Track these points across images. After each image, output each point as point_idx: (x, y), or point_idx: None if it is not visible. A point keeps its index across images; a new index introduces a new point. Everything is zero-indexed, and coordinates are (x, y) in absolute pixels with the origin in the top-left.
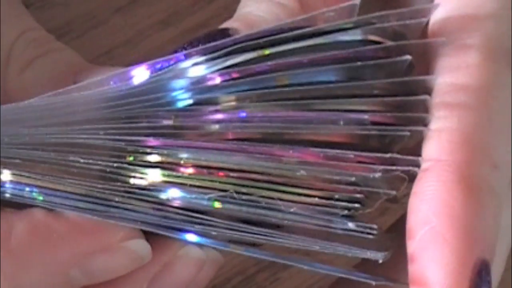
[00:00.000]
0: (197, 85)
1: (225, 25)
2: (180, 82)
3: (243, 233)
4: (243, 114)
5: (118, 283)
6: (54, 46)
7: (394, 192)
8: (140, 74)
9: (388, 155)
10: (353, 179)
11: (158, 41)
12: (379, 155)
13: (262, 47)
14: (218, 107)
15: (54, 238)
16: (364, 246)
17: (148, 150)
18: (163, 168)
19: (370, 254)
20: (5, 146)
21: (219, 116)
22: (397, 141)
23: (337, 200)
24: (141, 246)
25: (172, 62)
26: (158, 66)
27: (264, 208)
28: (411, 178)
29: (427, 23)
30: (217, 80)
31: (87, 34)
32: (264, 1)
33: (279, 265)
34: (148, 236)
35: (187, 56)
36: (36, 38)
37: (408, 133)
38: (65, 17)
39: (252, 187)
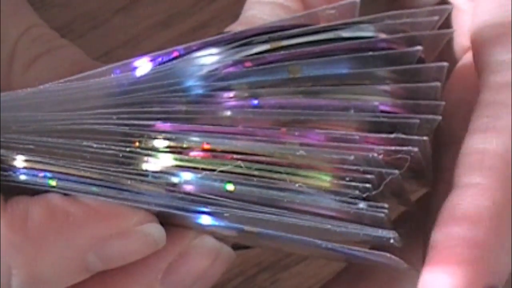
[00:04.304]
0: (211, 73)
1: (229, 28)
2: (194, 71)
3: (254, 213)
4: (255, 102)
5: (133, 272)
6: (59, 43)
7: (397, 171)
8: (142, 65)
9: (392, 136)
10: (351, 157)
11: (158, 42)
12: (384, 135)
13: (275, 40)
14: (230, 94)
15: (71, 222)
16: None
17: (160, 135)
18: (174, 152)
19: (381, 233)
20: (17, 132)
21: (231, 103)
22: (407, 131)
23: (349, 181)
24: (156, 230)
25: (172, 55)
26: (159, 59)
27: (275, 189)
28: (414, 159)
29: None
30: (230, 69)
31: (87, 35)
32: (268, 4)
33: (279, 266)
34: (162, 226)
35: (186, 50)
36: (40, 35)
37: (417, 121)
38: (65, 17)
39: (262, 169)
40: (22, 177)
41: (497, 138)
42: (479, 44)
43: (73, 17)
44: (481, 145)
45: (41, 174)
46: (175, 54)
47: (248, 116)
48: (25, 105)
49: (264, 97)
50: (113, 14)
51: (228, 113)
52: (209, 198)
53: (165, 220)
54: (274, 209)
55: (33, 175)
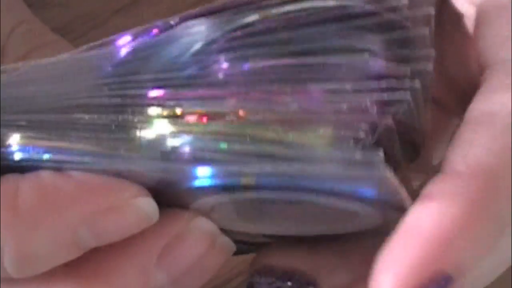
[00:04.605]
0: (201, 46)
1: None
2: (185, 43)
3: (250, 165)
4: (247, 66)
5: (128, 252)
6: (50, 39)
7: (390, 119)
8: (125, 44)
9: (384, 84)
10: (344, 107)
11: None
12: (375, 83)
13: (264, 8)
14: (222, 58)
15: (61, 197)
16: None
17: (153, 102)
18: (168, 118)
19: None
20: (9, 109)
21: (223, 67)
22: (399, 79)
23: (342, 132)
24: (148, 204)
25: (152, 32)
26: (140, 38)
27: (269, 143)
28: (406, 115)
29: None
30: (220, 41)
31: (87, 35)
32: None
33: None
34: (158, 206)
35: (165, 24)
36: (31, 30)
37: (408, 70)
38: (65, 18)
39: (256, 127)
40: (16, 155)
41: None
42: (482, 21)
43: (73, 17)
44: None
45: (34, 150)
46: (156, 32)
47: (240, 79)
48: (16, 82)
49: (255, 60)
50: (113, 14)
51: (220, 77)
52: (203, 157)
53: (161, 199)
54: (270, 159)
55: (27, 151)
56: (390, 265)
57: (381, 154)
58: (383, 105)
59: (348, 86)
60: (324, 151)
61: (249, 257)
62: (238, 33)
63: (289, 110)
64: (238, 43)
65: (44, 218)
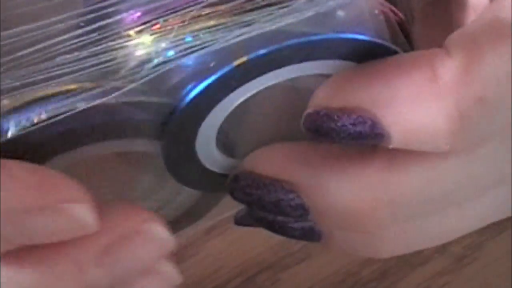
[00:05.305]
0: None
1: None
2: None
3: (238, 32)
4: None
5: (63, 245)
6: None
7: None
8: None
9: None
10: None
11: None
12: None
13: None
14: None
15: None
16: None
17: (131, 25)
18: (148, 33)
19: None
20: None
21: None
22: None
23: None
24: (84, 212)
25: None
26: None
27: (253, 19)
28: None
29: None
30: None
31: None
32: None
33: (279, 266)
34: (110, 203)
35: None
36: None
37: None
38: None
39: (237, 14)
40: (12, 125)
41: None
42: None
43: None
44: None
45: (28, 113)
46: None
47: None
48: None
49: None
50: None
51: None
52: (190, 52)
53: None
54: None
55: (20, 118)
56: (331, 83)
57: None
58: None
59: None
60: (307, 4)
61: (249, 257)
62: None
63: None
64: None
65: None
